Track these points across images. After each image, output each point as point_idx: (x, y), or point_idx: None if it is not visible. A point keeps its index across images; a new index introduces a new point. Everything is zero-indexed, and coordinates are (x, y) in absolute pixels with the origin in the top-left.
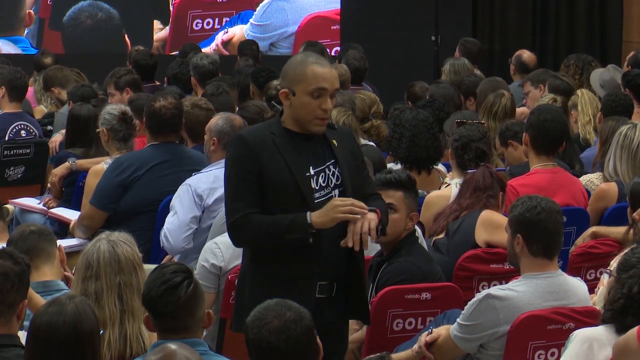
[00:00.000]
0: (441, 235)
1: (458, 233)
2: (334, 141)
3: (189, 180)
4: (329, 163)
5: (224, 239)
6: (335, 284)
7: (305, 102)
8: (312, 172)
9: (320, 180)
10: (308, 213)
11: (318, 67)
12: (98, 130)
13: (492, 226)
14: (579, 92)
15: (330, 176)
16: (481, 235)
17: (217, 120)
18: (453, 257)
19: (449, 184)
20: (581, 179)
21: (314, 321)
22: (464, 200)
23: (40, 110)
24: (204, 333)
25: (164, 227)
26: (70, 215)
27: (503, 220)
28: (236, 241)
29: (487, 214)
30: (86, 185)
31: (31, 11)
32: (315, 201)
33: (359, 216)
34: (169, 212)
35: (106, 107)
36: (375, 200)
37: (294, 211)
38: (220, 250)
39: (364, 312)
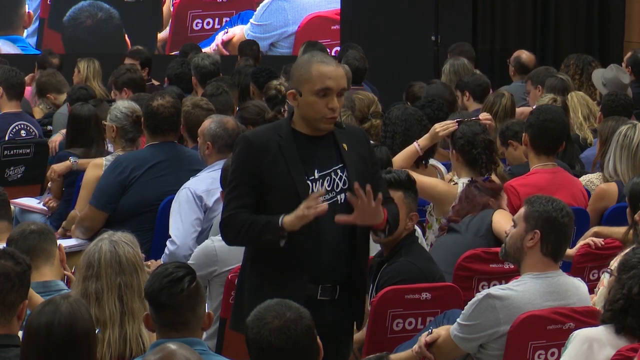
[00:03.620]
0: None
1: (473, 221)
2: (345, 145)
3: (187, 184)
4: (336, 167)
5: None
6: (338, 287)
7: (312, 102)
8: (316, 175)
9: (326, 184)
10: (282, 215)
11: (323, 66)
12: (105, 123)
13: (505, 220)
14: (568, 96)
15: (337, 180)
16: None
17: (209, 124)
18: (471, 234)
19: (456, 183)
20: (581, 179)
21: (316, 324)
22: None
23: (39, 110)
24: (204, 336)
25: (170, 233)
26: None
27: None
28: (225, 239)
29: (502, 213)
30: (85, 177)
31: (31, 11)
32: None
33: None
34: (169, 213)
35: (118, 104)
36: (386, 203)
37: None
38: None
39: (358, 316)
